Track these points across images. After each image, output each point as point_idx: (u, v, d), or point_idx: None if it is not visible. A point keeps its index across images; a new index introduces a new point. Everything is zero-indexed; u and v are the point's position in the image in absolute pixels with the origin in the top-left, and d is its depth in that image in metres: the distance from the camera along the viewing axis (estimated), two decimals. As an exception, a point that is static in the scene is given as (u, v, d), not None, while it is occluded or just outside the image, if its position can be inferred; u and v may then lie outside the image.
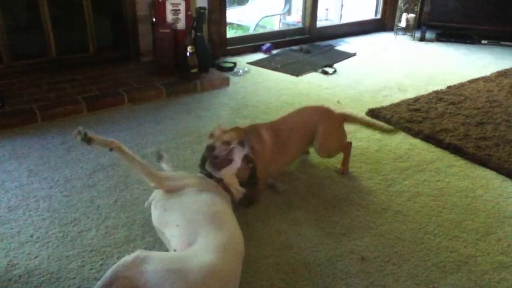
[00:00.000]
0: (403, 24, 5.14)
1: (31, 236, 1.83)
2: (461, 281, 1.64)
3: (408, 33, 5.18)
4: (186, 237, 1.50)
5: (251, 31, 5.76)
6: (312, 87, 3.57)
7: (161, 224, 1.67)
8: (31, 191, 2.13)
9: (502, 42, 4.93)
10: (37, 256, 1.72)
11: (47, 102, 2.94)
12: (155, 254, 1.36)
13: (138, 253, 1.34)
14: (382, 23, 5.48)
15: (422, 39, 5.07)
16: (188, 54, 3.27)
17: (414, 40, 5.10)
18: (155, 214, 1.72)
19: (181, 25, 3.39)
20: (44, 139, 2.62)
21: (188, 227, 1.53)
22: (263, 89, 3.50)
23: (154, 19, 3.42)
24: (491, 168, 2.40)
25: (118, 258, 1.72)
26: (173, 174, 1.88)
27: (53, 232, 1.86)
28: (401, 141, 2.67)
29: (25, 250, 1.75)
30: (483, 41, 4.98)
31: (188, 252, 1.41)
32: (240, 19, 6.07)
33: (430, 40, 5.10)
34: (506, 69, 4.02)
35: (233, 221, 1.63)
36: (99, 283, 1.27)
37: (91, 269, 1.67)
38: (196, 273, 1.28)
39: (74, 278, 1.63)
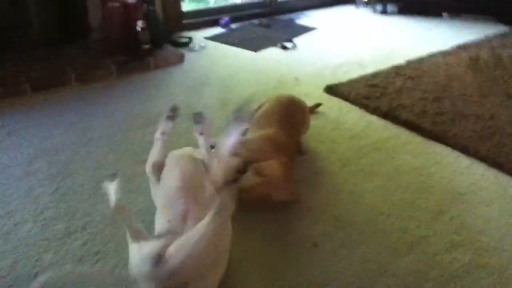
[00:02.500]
0: (364, -4, 5.07)
1: (-41, 232, 1.69)
2: (413, 263, 1.61)
3: (370, 6, 5.11)
4: None
5: (211, 5, 5.55)
6: (270, 63, 3.46)
7: None
8: (-37, 181, 1.98)
9: (462, 15, 4.92)
10: (-36, 254, 1.59)
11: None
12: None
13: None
14: (344, -4, 5.38)
15: (383, 12, 5.01)
16: (138, 29, 3.10)
17: (375, 13, 5.04)
18: None
19: (131, -2, 3.20)
20: (-18, 123, 2.45)
21: None
22: (220, 66, 3.37)
23: (102, -8, 3.22)
24: (447, 144, 2.38)
25: (55, 252, 1.61)
26: None
27: (-15, 226, 1.73)
28: (358, 119, 2.62)
29: (-49, 248, 1.62)
30: (443, 14, 4.97)
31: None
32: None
33: (392, 14, 5.04)
34: (465, 43, 4.00)
35: None
36: None
37: (26, 265, 1.56)
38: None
39: (6, 276, 1.51)
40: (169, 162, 1.65)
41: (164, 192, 1.51)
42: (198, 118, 1.76)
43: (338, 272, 1.56)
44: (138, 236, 1.32)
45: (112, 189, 1.49)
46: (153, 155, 1.70)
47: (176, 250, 1.22)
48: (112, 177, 1.52)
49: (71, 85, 2.91)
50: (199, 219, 1.31)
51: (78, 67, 3.00)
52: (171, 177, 1.54)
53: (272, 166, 1.86)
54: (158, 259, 1.20)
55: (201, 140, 1.72)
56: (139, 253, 1.26)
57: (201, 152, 1.73)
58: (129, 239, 1.36)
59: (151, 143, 2.27)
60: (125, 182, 2.00)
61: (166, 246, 1.24)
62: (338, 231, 1.75)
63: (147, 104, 2.73)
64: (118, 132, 2.40)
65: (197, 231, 1.25)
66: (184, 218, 1.34)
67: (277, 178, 1.83)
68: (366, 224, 1.79)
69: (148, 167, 1.68)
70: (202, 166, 1.65)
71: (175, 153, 1.72)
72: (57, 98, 2.76)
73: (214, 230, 1.24)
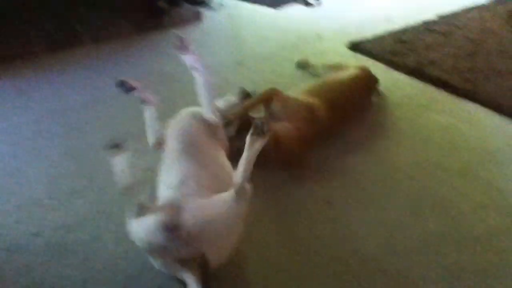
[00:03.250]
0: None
1: (-36, 191, 1.67)
2: (434, 224, 1.49)
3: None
4: None
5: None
6: (291, 20, 3.29)
7: None
8: (-28, 141, 1.95)
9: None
10: (-31, 212, 1.57)
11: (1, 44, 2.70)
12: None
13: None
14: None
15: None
16: (153, -14, 2.98)
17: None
18: None
19: (145, -47, 3.07)
20: (-5, 83, 2.42)
21: None
22: (239, 24, 3.23)
23: None
24: (478, 102, 2.20)
25: (59, 211, 1.57)
26: None
27: (-9, 185, 1.70)
28: (383, 76, 2.43)
29: (-46, 207, 1.60)
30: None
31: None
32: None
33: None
34: (504, -4, 3.71)
35: None
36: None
37: (28, 224, 1.52)
38: None
39: (7, 235, 1.48)
40: (172, 123, 1.55)
41: (165, 155, 1.42)
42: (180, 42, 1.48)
43: (351, 230, 1.47)
44: (145, 211, 1.22)
45: (119, 165, 1.34)
46: (149, 135, 1.55)
47: (194, 219, 1.14)
48: (116, 148, 1.36)
49: (85, 45, 2.84)
50: (199, 181, 1.25)
51: (92, 27, 2.92)
52: (171, 139, 1.46)
53: (288, 128, 1.73)
54: (175, 227, 1.12)
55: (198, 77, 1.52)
56: (148, 225, 1.17)
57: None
58: (131, 215, 1.25)
59: (163, 101, 2.21)
60: (133, 142, 1.93)
61: (173, 215, 1.15)
62: (354, 191, 1.64)
63: (161, 62, 2.63)
64: (129, 91, 2.32)
65: (217, 204, 1.18)
66: (184, 181, 1.26)
67: (284, 138, 1.70)
68: (385, 184, 1.67)
69: (151, 146, 1.56)
70: (205, 124, 1.54)
71: (180, 113, 1.61)
72: (70, 58, 2.70)
73: (236, 210, 1.18)
